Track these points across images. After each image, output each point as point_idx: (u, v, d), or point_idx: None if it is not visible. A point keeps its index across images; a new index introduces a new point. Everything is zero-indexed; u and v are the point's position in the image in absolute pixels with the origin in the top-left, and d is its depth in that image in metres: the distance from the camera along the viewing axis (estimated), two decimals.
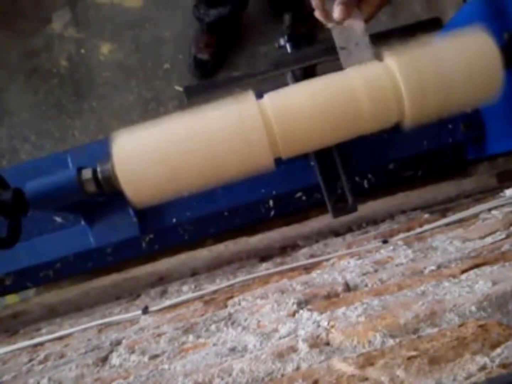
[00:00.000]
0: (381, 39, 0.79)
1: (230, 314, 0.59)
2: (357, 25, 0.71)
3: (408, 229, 0.81)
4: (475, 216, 0.76)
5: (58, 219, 0.97)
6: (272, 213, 0.98)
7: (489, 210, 0.75)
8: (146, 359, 0.51)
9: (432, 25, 0.84)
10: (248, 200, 0.96)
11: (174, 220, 0.96)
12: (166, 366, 0.46)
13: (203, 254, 1.02)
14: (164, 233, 0.98)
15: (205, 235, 1.00)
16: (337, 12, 0.69)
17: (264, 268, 0.84)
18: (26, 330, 0.88)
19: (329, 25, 0.72)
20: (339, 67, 0.71)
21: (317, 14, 0.73)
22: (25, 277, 0.99)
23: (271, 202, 0.98)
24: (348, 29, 0.71)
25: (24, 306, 1.06)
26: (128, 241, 0.95)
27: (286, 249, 0.99)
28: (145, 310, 0.71)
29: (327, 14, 0.71)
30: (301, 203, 0.98)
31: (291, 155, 0.66)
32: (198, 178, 0.64)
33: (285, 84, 0.86)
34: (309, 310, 0.52)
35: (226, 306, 0.65)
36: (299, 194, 0.97)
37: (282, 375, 0.38)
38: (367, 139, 0.95)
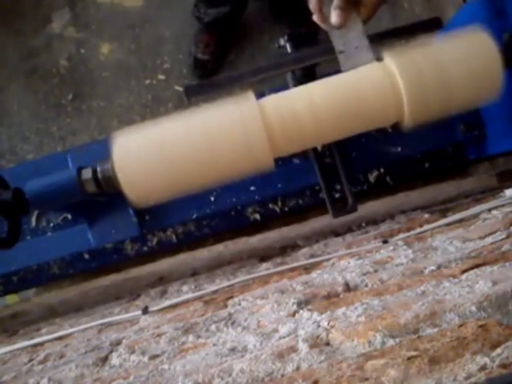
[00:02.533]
0: (381, 39, 0.78)
1: (230, 314, 0.59)
2: (355, 28, 0.71)
3: (408, 229, 0.81)
4: (475, 216, 0.76)
5: (59, 219, 0.96)
6: (272, 213, 0.98)
7: (489, 210, 0.75)
8: (146, 359, 0.51)
9: (432, 25, 0.84)
10: (248, 200, 0.96)
11: (174, 220, 0.96)
12: (166, 366, 0.46)
13: (203, 254, 1.02)
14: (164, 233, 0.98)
15: (205, 235, 1.00)
16: (334, 16, 0.69)
17: (264, 268, 0.84)
18: (26, 330, 0.88)
19: (327, 28, 0.72)
20: (339, 67, 0.71)
21: (315, 18, 0.72)
22: (25, 277, 0.99)
23: (271, 203, 0.98)
24: (346, 32, 0.71)
25: (24, 306, 1.06)
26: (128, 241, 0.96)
27: (286, 249, 0.99)
28: (145, 310, 0.71)
29: (325, 18, 0.71)
30: (301, 203, 0.98)
31: (291, 152, 0.67)
32: (198, 178, 0.64)
33: (285, 84, 0.86)
34: (309, 310, 0.52)
35: (226, 306, 0.65)
36: (299, 194, 0.97)
37: (282, 375, 0.38)
38: (367, 139, 0.96)
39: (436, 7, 1.66)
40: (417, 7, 1.72)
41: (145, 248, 0.98)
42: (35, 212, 0.96)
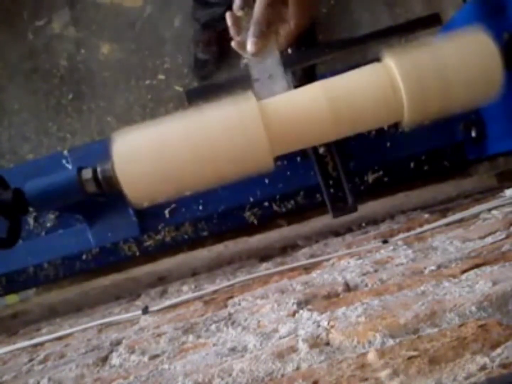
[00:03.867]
0: (380, 37, 0.78)
1: (230, 314, 0.59)
2: (271, 56, 0.69)
3: (408, 229, 0.81)
4: (475, 216, 0.76)
5: (58, 219, 0.96)
6: (271, 213, 0.98)
7: (489, 210, 0.75)
8: (146, 359, 0.51)
9: (431, 21, 0.83)
10: (248, 200, 0.96)
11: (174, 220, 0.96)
12: (166, 366, 0.46)
13: (203, 254, 1.02)
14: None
15: (205, 235, 1.00)
16: (249, 44, 0.68)
17: (264, 268, 0.84)
18: (26, 330, 0.88)
19: (245, 56, 0.71)
20: (339, 67, 0.71)
21: (233, 44, 0.71)
22: (25, 277, 0.99)
23: (270, 202, 0.98)
24: (262, 60, 0.69)
25: (24, 306, 1.06)
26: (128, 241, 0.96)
27: (286, 249, 0.99)
28: (145, 310, 0.71)
29: (243, 45, 0.69)
30: (301, 203, 0.98)
31: (291, 151, 0.67)
32: (198, 178, 0.64)
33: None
34: (309, 310, 0.52)
35: (226, 306, 0.65)
36: (299, 194, 0.97)
37: (282, 375, 0.38)
38: (367, 139, 0.96)
39: (436, 7, 1.66)
40: (417, 7, 1.72)
41: (145, 248, 0.98)
42: (35, 212, 0.96)
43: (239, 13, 0.69)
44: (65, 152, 0.95)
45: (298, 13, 0.69)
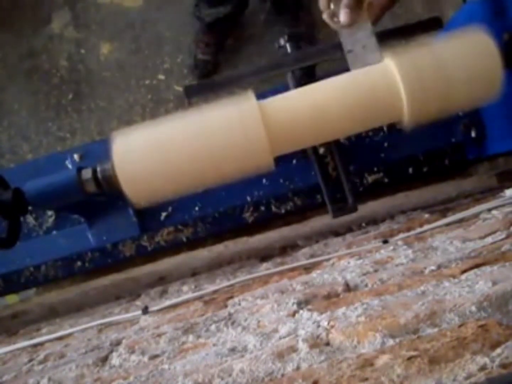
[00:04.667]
0: (381, 39, 0.78)
1: (230, 314, 0.59)
2: (363, 27, 0.71)
3: (408, 229, 0.81)
4: (475, 216, 0.76)
5: (58, 219, 0.96)
6: (271, 213, 0.98)
7: (489, 210, 0.75)
8: (146, 359, 0.51)
9: (432, 25, 0.84)
10: (248, 200, 0.96)
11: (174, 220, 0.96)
12: (166, 366, 0.46)
13: (203, 254, 1.02)
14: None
15: (205, 235, 1.00)
16: (343, 15, 0.69)
17: (264, 268, 0.84)
18: (26, 330, 0.88)
19: (336, 27, 0.72)
20: (338, 67, 0.71)
21: (324, 16, 0.72)
22: (25, 277, 0.99)
23: (270, 203, 0.98)
24: (354, 31, 0.71)
25: (24, 306, 1.06)
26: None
27: (286, 249, 0.99)
28: (145, 310, 0.71)
29: (334, 16, 0.71)
30: (301, 203, 0.98)
31: (291, 151, 0.67)
32: (198, 177, 0.64)
33: (285, 84, 0.86)
34: (309, 310, 0.52)
35: (226, 306, 0.65)
36: (299, 194, 0.97)
37: (282, 375, 0.38)
38: (367, 139, 0.96)
39: (436, 7, 1.66)
40: (417, 7, 1.72)
41: (145, 248, 0.98)
42: (35, 212, 0.96)
43: None
44: (65, 152, 0.95)
45: None
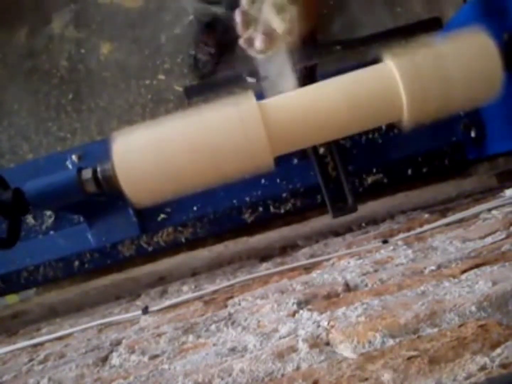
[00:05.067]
0: (381, 39, 0.79)
1: (230, 314, 0.59)
2: (279, 54, 0.69)
3: (408, 229, 0.81)
4: (475, 216, 0.76)
5: (58, 219, 0.96)
6: (271, 213, 0.98)
7: (489, 210, 0.75)
8: (146, 359, 0.51)
9: (432, 25, 0.84)
10: (248, 200, 0.96)
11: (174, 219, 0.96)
12: (166, 366, 0.46)
13: (203, 254, 1.02)
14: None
15: (205, 235, 1.00)
16: (258, 41, 0.67)
17: (264, 268, 0.84)
18: (26, 330, 0.88)
19: (252, 53, 0.70)
20: (338, 67, 0.71)
21: (241, 42, 0.70)
22: (25, 277, 0.99)
23: (270, 203, 0.98)
24: (270, 58, 0.69)
25: (24, 306, 1.06)
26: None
27: (286, 249, 0.99)
28: (145, 310, 0.71)
29: (251, 42, 0.69)
30: (301, 203, 0.98)
31: (290, 151, 0.67)
32: (198, 177, 0.64)
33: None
34: (309, 310, 0.52)
35: (226, 306, 0.65)
36: (299, 194, 0.97)
37: (282, 375, 0.38)
38: (367, 139, 0.96)
39: (436, 7, 1.66)
40: (417, 7, 1.72)
41: (145, 248, 0.98)
42: (35, 212, 0.96)
43: (247, 9, 0.68)
44: (65, 152, 0.95)
45: (306, 13, 0.69)
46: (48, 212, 0.96)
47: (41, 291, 1.13)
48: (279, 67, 0.69)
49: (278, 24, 0.65)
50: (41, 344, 0.70)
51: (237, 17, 0.69)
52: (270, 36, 0.67)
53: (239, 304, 0.64)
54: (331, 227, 1.02)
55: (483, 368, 0.29)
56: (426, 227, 0.78)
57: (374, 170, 0.97)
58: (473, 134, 0.92)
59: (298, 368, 0.38)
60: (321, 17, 1.71)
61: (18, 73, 1.76)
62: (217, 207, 0.96)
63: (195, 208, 0.96)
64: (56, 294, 1.06)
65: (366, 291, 0.54)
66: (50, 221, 0.96)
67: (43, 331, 0.83)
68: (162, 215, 0.96)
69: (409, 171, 0.98)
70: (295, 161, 0.95)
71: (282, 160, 0.93)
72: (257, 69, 0.70)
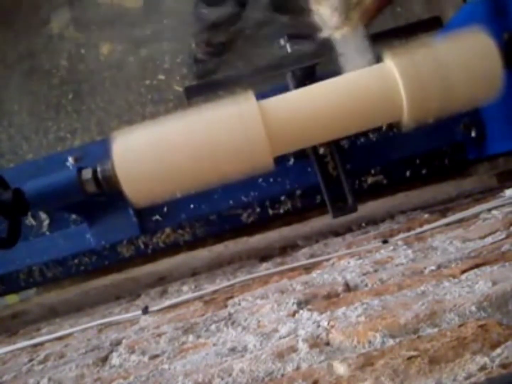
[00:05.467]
0: (381, 39, 0.78)
1: (230, 314, 0.59)
2: (355, 30, 0.70)
3: (408, 229, 0.81)
4: (475, 216, 0.76)
5: (57, 219, 0.96)
6: (271, 213, 0.98)
7: (489, 210, 0.75)
8: (146, 359, 0.51)
9: (432, 24, 0.84)
10: (247, 201, 0.96)
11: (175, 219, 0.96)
12: (166, 366, 0.46)
13: (203, 254, 1.02)
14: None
15: (205, 235, 1.00)
16: (334, 17, 0.68)
17: (264, 268, 0.84)
18: (26, 330, 0.88)
19: (328, 30, 0.72)
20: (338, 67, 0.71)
21: (316, 17, 0.71)
22: (25, 277, 0.99)
23: (270, 203, 0.98)
24: (346, 34, 0.70)
25: (24, 306, 1.06)
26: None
27: (286, 249, 0.99)
28: (145, 310, 0.71)
29: (326, 18, 0.70)
30: (301, 203, 0.98)
31: (290, 151, 0.67)
32: (198, 177, 0.64)
33: (285, 84, 0.86)
34: (309, 310, 0.52)
35: (226, 306, 0.65)
36: (299, 194, 0.97)
37: (282, 375, 0.38)
38: (367, 139, 0.95)
39: (436, 7, 1.66)
40: (417, 7, 1.72)
41: (145, 248, 0.98)
42: (35, 212, 0.96)
43: None
44: (65, 152, 0.95)
45: None
46: (48, 212, 0.96)
47: (41, 291, 1.13)
48: (355, 42, 0.69)
49: None
50: (41, 344, 0.70)
51: None
52: (343, 11, 0.67)
53: (239, 304, 0.64)
54: (331, 227, 1.02)
55: (483, 368, 0.29)
56: (426, 227, 0.78)
57: (374, 170, 0.97)
58: (473, 134, 0.92)
59: (298, 368, 0.38)
60: None
61: (18, 73, 1.76)
62: (217, 207, 0.96)
63: (194, 208, 0.96)
64: (56, 294, 1.06)
65: (366, 291, 0.54)
66: (50, 221, 0.96)
67: (43, 331, 0.83)
68: (162, 215, 0.96)
69: (409, 171, 0.98)
70: (295, 161, 0.95)
71: (282, 160, 0.93)
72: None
